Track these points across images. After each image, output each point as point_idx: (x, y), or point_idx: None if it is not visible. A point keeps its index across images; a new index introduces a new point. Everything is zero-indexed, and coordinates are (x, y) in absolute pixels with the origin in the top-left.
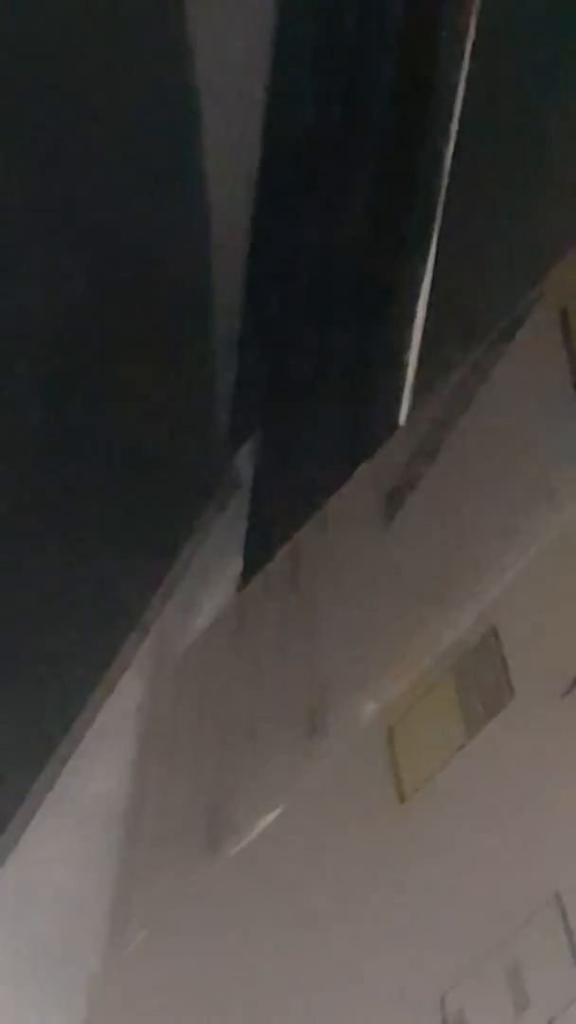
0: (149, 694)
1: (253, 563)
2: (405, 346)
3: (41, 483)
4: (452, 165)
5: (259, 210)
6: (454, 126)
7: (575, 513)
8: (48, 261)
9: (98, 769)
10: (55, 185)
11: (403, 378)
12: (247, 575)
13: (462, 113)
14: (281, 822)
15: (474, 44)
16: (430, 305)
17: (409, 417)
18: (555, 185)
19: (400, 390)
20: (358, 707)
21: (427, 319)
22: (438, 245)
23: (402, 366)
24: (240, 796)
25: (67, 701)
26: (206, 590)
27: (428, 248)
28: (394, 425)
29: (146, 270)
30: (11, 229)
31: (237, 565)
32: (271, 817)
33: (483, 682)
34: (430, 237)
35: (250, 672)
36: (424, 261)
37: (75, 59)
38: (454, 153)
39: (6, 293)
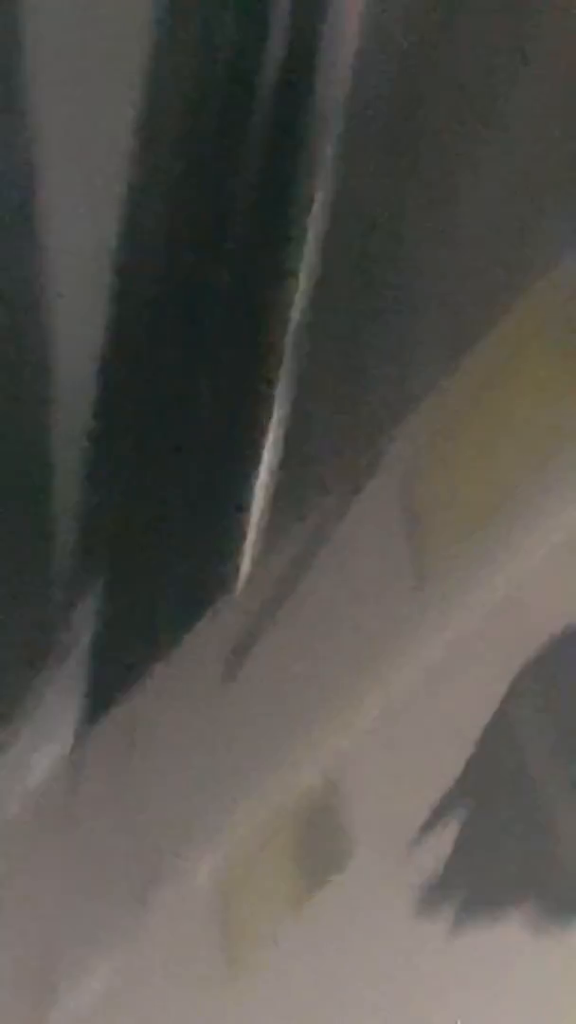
0: None
1: (89, 721)
2: (248, 504)
3: None
4: (304, 315)
5: (105, 366)
6: (306, 276)
7: (412, 676)
8: None
9: None
10: None
11: (246, 535)
12: (85, 730)
13: (318, 266)
14: (111, 992)
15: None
16: (274, 463)
17: (251, 575)
18: (403, 336)
19: (242, 548)
20: (194, 866)
21: (273, 476)
22: (288, 400)
23: (245, 523)
24: (67, 966)
25: None
26: (40, 750)
27: (275, 405)
28: (235, 583)
29: None
30: None
31: (75, 720)
32: (99, 987)
33: (323, 839)
34: (279, 390)
35: (83, 835)
36: (271, 417)
37: None
38: (308, 300)
39: None
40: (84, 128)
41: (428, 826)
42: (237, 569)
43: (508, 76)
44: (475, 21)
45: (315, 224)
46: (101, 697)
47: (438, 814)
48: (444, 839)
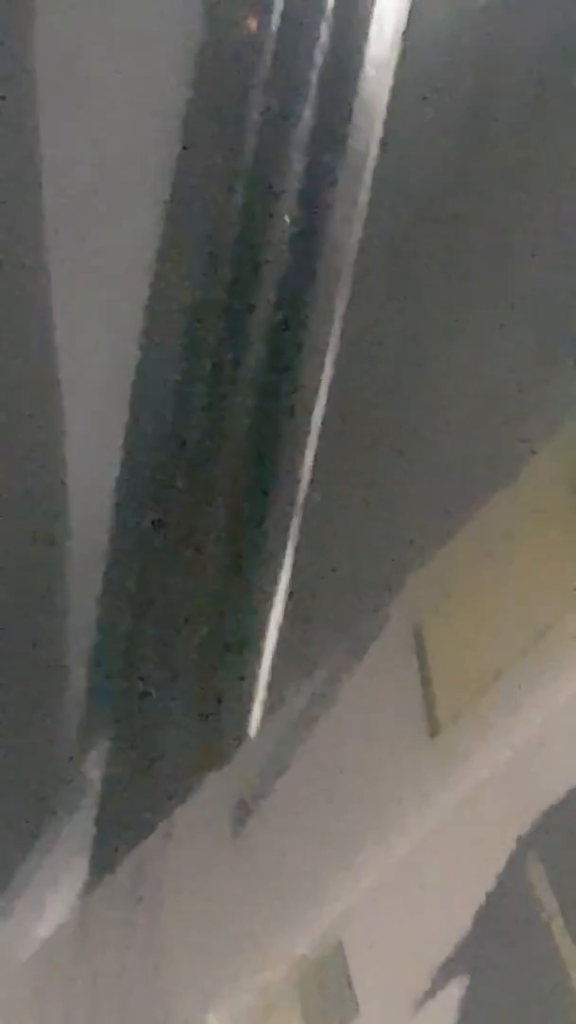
0: None
1: (99, 870)
2: (257, 657)
3: None
4: (309, 471)
5: (117, 524)
6: (314, 429)
7: (420, 835)
8: None
9: None
10: None
11: (254, 689)
12: (93, 882)
13: (324, 414)
14: None
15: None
16: (284, 617)
17: (260, 729)
18: (413, 492)
19: (251, 701)
20: (202, 1021)
21: (280, 630)
22: (293, 553)
23: (253, 678)
24: None
25: None
26: (51, 897)
27: (282, 558)
28: (244, 736)
29: (3, 572)
30: None
31: (83, 872)
32: None
33: (329, 998)
34: (286, 545)
35: (91, 983)
36: (278, 572)
37: None
38: (315, 457)
39: None
40: (100, 272)
41: (436, 984)
42: (247, 721)
43: (515, 235)
44: (481, 185)
45: (322, 381)
46: (110, 848)
47: (447, 971)
48: (452, 998)
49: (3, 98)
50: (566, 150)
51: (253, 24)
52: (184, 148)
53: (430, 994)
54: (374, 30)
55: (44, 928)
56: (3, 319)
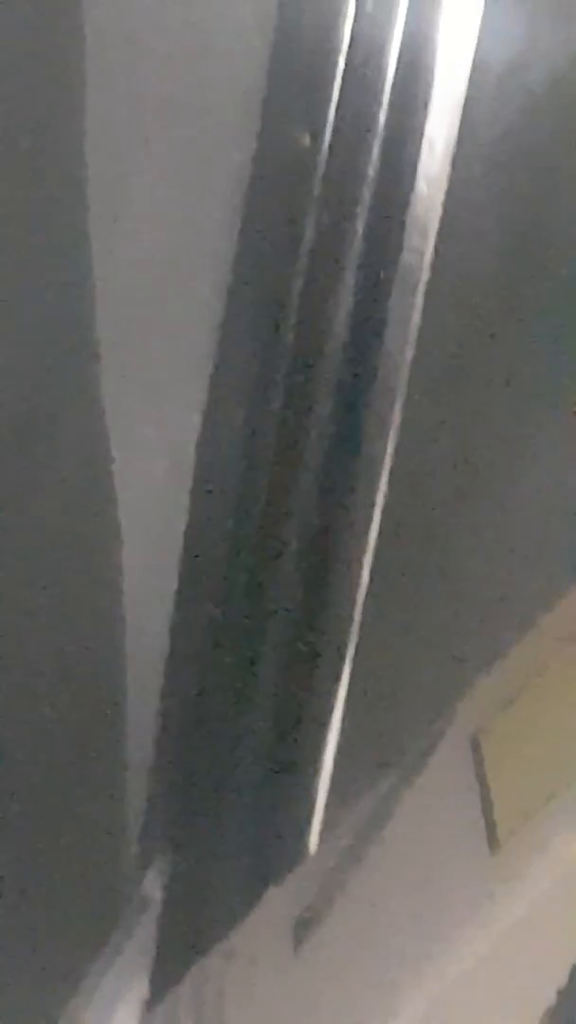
0: None
1: (160, 988)
2: (315, 775)
3: None
4: (366, 590)
5: (173, 643)
6: (370, 544)
7: (481, 950)
8: None
9: None
10: None
11: (313, 806)
12: (154, 1000)
13: (376, 543)
14: None
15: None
16: (342, 733)
17: (319, 846)
18: (466, 610)
19: (310, 818)
20: None
21: (338, 747)
22: (351, 671)
23: (312, 794)
24: None
25: None
26: (113, 1014)
27: (340, 675)
28: (304, 853)
29: (64, 696)
30: None
31: (144, 991)
32: None
33: None
34: (342, 663)
35: None
36: (335, 689)
37: None
38: (369, 580)
39: None
40: (153, 391)
41: None
42: (306, 839)
43: (570, 351)
44: (535, 300)
45: (376, 499)
46: (171, 966)
47: None
48: None
49: (53, 214)
50: None
51: (305, 140)
52: (236, 264)
53: None
54: (425, 147)
55: None
56: (56, 452)
